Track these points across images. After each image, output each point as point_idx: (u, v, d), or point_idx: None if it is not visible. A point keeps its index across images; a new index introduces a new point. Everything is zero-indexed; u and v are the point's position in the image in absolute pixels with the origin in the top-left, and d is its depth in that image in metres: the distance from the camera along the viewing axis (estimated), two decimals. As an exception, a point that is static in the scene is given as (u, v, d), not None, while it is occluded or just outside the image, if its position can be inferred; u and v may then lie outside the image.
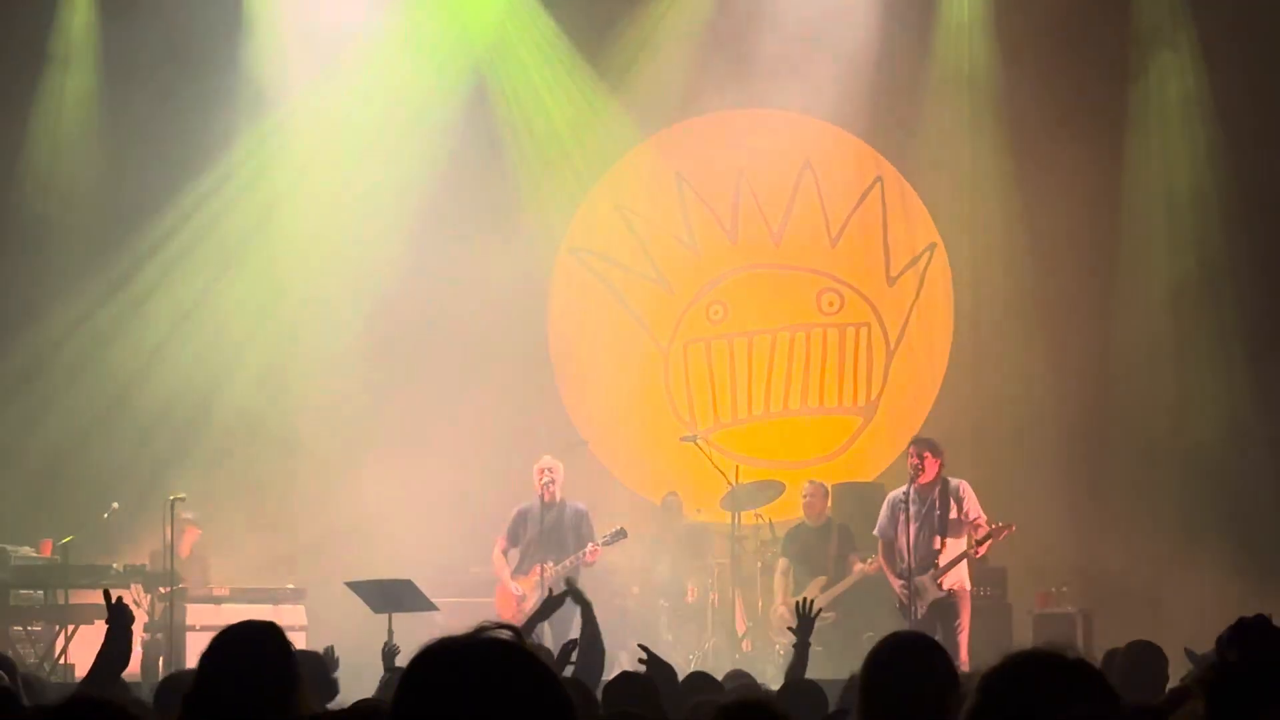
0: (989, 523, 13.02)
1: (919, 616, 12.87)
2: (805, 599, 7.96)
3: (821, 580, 14.55)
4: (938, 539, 13.05)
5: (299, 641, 13.24)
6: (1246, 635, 4.55)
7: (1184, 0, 16.24)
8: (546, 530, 13.89)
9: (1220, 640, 4.81)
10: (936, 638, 12.60)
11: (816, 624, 14.12)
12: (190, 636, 13.51)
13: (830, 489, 15.14)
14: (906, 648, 4.62)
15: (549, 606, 8.43)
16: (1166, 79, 16.32)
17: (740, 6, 16.72)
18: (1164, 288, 16.20)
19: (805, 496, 15.00)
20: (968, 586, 13.17)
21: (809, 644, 7.77)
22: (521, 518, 14.08)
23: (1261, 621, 4.62)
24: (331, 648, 7.61)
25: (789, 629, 8.03)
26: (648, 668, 7.19)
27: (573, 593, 8.36)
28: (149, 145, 16.37)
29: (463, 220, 16.92)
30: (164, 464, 16.20)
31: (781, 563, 15.00)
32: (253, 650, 4.68)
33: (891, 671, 4.51)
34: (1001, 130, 16.52)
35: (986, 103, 16.55)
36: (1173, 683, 7.28)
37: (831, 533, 14.72)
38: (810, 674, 9.16)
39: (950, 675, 4.51)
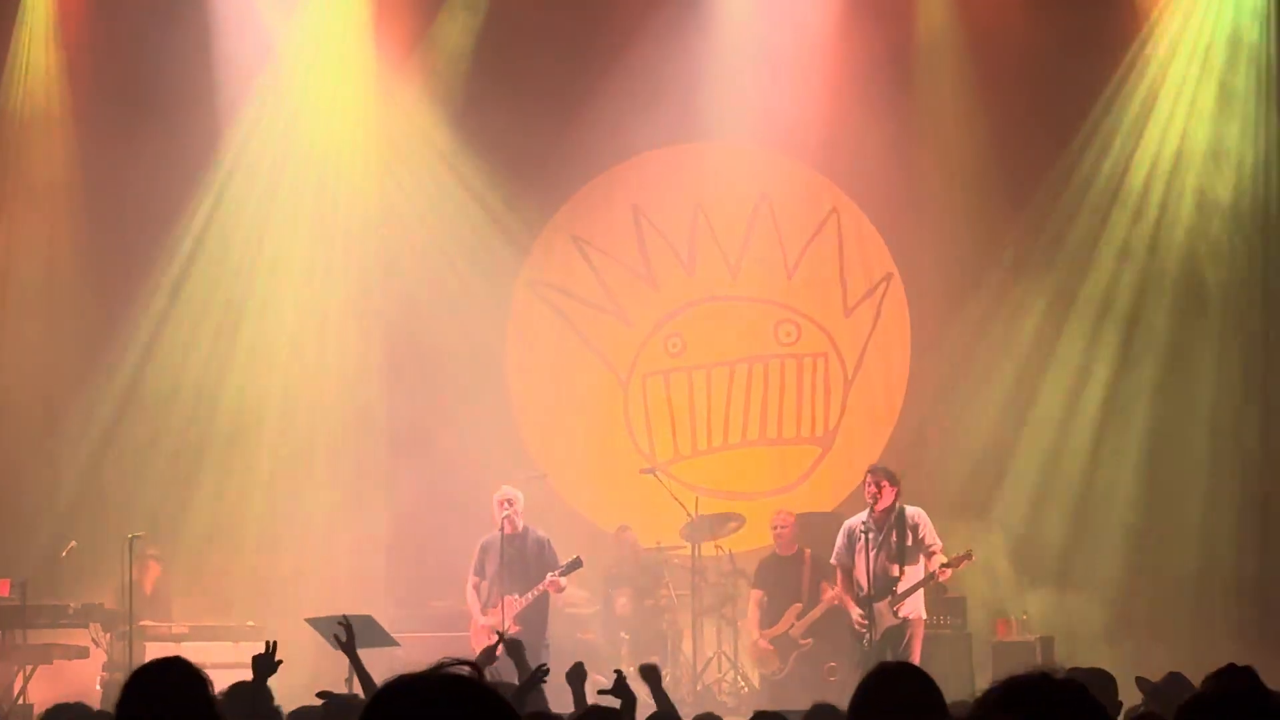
0: (946, 551, 13.03)
1: (873, 642, 12.85)
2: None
3: (797, 607, 14.57)
4: (895, 567, 13.01)
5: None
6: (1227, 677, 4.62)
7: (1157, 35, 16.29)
8: (509, 561, 13.82)
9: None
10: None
11: (798, 650, 14.26)
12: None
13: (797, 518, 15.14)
14: (897, 677, 4.65)
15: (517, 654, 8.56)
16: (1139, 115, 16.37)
17: (695, 39, 16.74)
18: (1123, 317, 16.23)
19: (777, 527, 14.97)
20: (923, 615, 13.16)
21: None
22: (485, 551, 14.02)
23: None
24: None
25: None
26: (615, 692, 7.15)
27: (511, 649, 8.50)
28: (118, 190, 16.31)
29: (420, 255, 16.94)
30: (122, 502, 16.10)
31: (755, 594, 14.95)
32: (166, 685, 4.65)
33: (881, 699, 4.54)
34: (957, 161, 16.58)
35: (942, 134, 16.61)
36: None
37: (803, 561, 14.70)
38: (785, 703, 9.13)
39: (938, 701, 4.52)
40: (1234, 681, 4.41)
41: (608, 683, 7.49)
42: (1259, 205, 16.02)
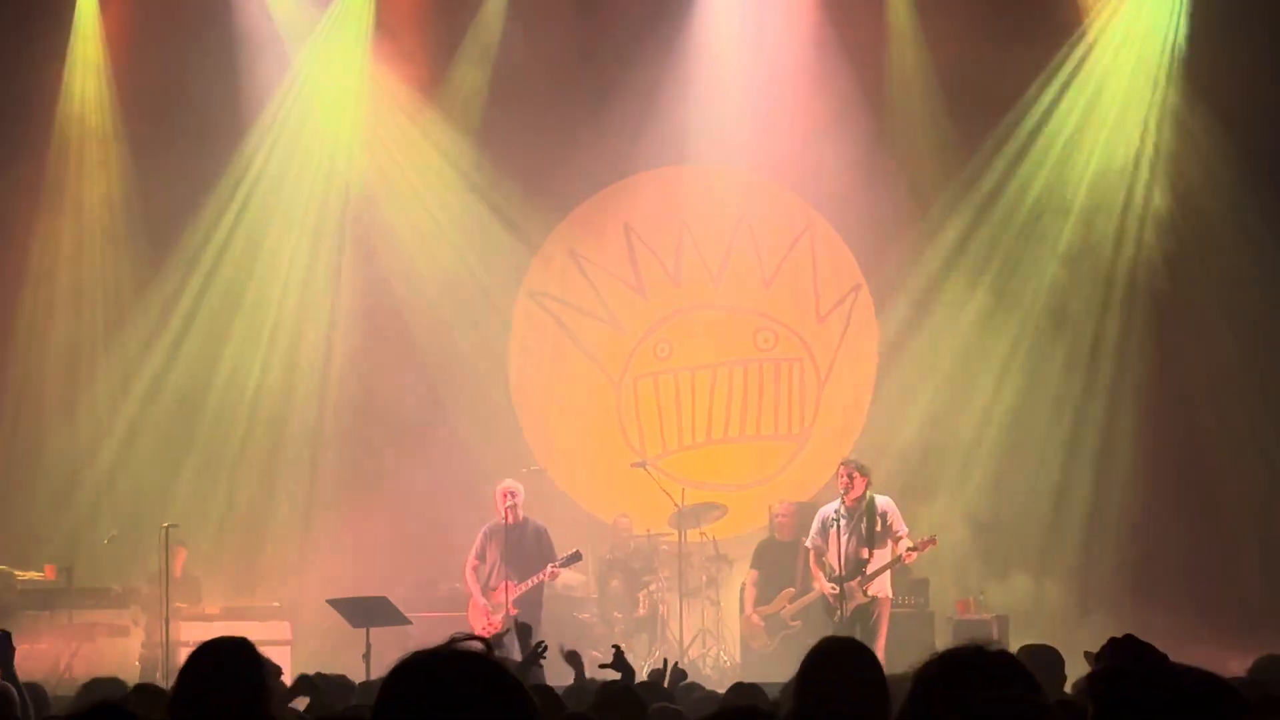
0: (911, 536, 13.18)
1: (844, 618, 13.02)
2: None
3: (790, 591, 14.64)
4: (865, 550, 13.19)
5: (284, 654, 13.36)
6: (1118, 649, 4.65)
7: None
8: (510, 548, 13.94)
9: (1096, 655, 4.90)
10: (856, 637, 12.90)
11: (786, 631, 14.39)
12: (183, 651, 13.45)
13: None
14: (841, 650, 4.69)
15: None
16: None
17: (682, 73, 16.84)
18: (1071, 319, 16.36)
19: (779, 516, 15.05)
20: (889, 595, 13.34)
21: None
22: (487, 537, 14.14)
23: (1130, 639, 4.72)
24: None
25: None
26: (614, 666, 7.29)
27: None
28: (152, 202, 16.50)
29: (432, 268, 17.06)
30: (158, 490, 16.21)
31: (752, 574, 15.05)
32: (227, 661, 4.75)
33: (826, 670, 4.58)
34: (920, 183, 16.72)
35: (906, 158, 16.73)
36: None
37: (800, 548, 14.77)
38: (767, 677, 9.27)
39: (878, 677, 4.60)
40: (1129, 651, 4.44)
41: (604, 657, 7.65)
42: (1194, 210, 16.15)
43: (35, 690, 7.83)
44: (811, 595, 14.27)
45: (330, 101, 17.06)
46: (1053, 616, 14.88)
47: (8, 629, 7.10)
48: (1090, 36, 16.41)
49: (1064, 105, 16.43)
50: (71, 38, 16.72)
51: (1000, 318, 16.44)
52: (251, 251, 16.98)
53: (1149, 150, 16.13)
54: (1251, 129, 15.74)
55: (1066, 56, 16.42)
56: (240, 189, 16.87)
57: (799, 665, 4.65)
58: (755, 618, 14.78)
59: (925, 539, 13.11)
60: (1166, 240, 16.11)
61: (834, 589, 13.10)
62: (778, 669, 12.80)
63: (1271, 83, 15.36)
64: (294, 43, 16.88)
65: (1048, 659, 7.24)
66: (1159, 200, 16.09)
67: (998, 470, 16.21)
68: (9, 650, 6.53)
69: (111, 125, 16.85)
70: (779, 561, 14.87)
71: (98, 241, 16.84)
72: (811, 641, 12.66)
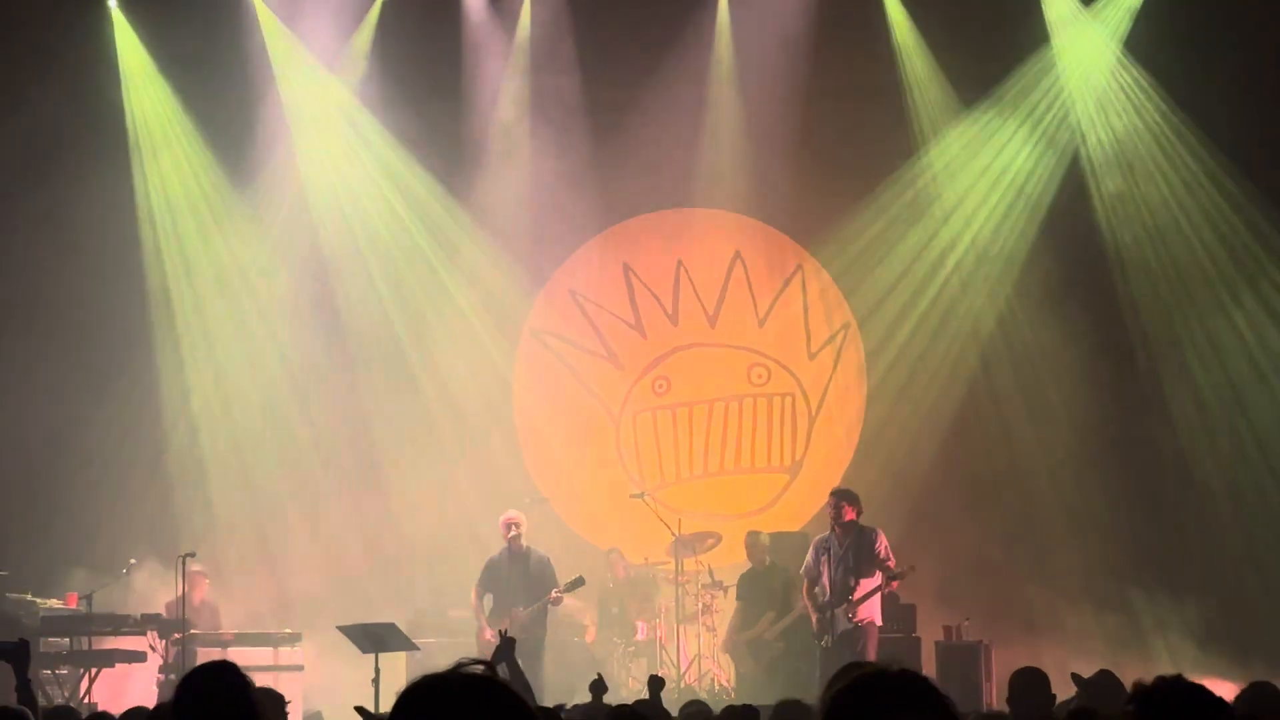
0: (898, 565, 13.13)
1: (832, 644, 12.92)
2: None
3: (770, 615, 14.62)
4: (853, 578, 13.12)
5: (296, 679, 13.23)
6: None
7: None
8: (515, 577, 13.89)
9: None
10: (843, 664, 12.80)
11: (772, 654, 14.31)
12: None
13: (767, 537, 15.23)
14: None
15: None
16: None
17: (680, 119, 16.90)
18: (1036, 348, 16.33)
19: (752, 547, 15.05)
20: (878, 621, 13.26)
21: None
22: (492, 567, 14.07)
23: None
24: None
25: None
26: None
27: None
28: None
29: (441, 308, 17.09)
30: (176, 523, 16.15)
31: (738, 605, 15.07)
32: (216, 684, 4.73)
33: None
34: (907, 222, 16.77)
35: (894, 202, 16.78)
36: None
37: (775, 574, 14.75)
38: (759, 699, 9.20)
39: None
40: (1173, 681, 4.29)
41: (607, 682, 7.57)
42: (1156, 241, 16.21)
43: (68, 714, 7.76)
44: (791, 617, 14.26)
45: (333, 144, 17.10)
46: (1052, 634, 14.78)
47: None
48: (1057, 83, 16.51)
49: (1036, 131, 16.52)
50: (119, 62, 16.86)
51: (987, 346, 16.45)
52: (269, 284, 17.01)
53: (1115, 155, 16.26)
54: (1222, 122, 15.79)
55: (1048, 107, 16.53)
56: (248, 224, 16.93)
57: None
58: (740, 644, 14.76)
59: (906, 568, 13.07)
60: (1150, 256, 16.13)
61: (820, 618, 13.02)
62: (766, 691, 12.74)
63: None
64: (286, 83, 16.97)
65: (1034, 681, 7.22)
66: (1150, 208, 16.17)
67: (982, 498, 16.16)
68: (25, 659, 6.44)
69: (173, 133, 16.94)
70: (759, 588, 14.94)
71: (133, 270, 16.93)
72: (797, 663, 12.60)
